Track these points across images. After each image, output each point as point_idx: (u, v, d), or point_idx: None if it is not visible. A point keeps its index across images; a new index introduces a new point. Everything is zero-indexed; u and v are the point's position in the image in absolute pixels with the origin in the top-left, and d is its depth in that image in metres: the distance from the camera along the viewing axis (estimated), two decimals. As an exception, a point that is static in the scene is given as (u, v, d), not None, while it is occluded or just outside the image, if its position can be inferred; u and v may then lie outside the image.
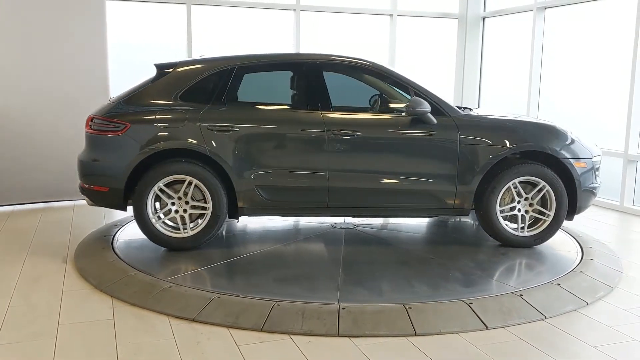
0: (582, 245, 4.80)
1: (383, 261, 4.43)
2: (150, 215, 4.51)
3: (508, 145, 4.51)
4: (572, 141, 4.64)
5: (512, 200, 4.60)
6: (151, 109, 4.58)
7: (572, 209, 4.65)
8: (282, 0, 8.03)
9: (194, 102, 4.59)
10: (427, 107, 4.45)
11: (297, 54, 5.16)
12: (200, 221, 4.57)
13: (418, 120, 4.51)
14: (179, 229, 4.54)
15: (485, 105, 8.85)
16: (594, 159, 4.69)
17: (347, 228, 5.27)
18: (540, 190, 4.58)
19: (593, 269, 4.26)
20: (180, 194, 4.52)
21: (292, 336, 3.25)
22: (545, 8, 7.58)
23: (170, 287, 3.79)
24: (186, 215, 4.54)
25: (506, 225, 4.63)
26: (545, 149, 4.55)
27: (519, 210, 4.62)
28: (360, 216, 5.25)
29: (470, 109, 4.99)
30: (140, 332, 3.30)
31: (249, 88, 4.85)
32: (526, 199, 4.60)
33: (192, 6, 7.60)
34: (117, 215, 5.93)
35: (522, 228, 4.64)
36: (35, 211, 6.18)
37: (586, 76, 7.27)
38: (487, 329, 3.35)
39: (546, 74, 7.68)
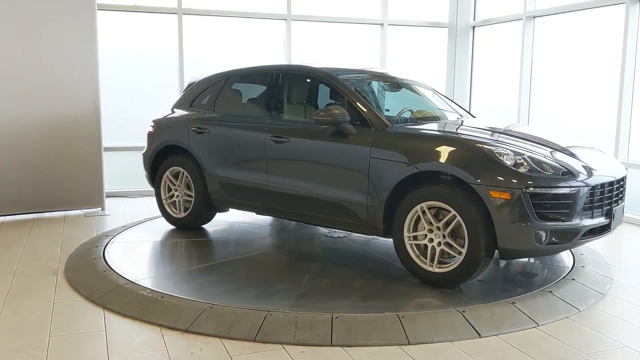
0: (573, 252, 4.81)
1: (275, 266, 4.60)
2: (163, 197, 5.64)
3: (410, 162, 3.98)
4: (500, 164, 3.71)
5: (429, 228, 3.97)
6: (169, 114, 5.73)
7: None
8: (273, 10, 8.06)
9: (198, 108, 5.54)
10: (339, 117, 4.24)
11: (271, 66, 5.24)
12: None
13: (340, 130, 4.33)
14: (177, 211, 5.58)
15: (475, 113, 8.89)
16: (531, 189, 3.61)
17: (334, 237, 5.34)
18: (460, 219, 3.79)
19: (584, 276, 4.28)
20: (179, 182, 5.52)
21: (285, 346, 3.24)
22: (534, 17, 7.66)
23: (162, 297, 3.77)
24: (181, 200, 5.52)
25: (416, 256, 4.02)
26: (449, 169, 3.84)
27: (431, 240, 3.94)
28: (300, 222, 5.17)
29: (461, 118, 5.01)
30: (132, 344, 3.28)
31: (232, 97, 5.47)
32: (438, 227, 3.91)
33: (184, 16, 7.62)
34: (108, 225, 5.93)
35: (432, 263, 3.95)
36: (25, 222, 6.14)
37: (577, 84, 7.33)
38: (480, 337, 3.36)
39: (537, 82, 7.74)
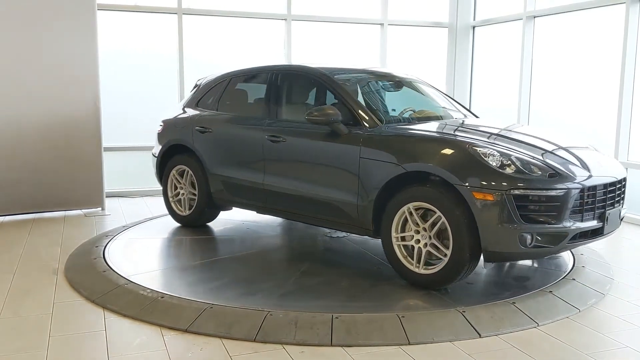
0: (573, 252, 4.81)
1: (267, 264, 4.67)
2: (169, 195, 5.75)
3: (398, 163, 3.94)
4: (485, 165, 3.65)
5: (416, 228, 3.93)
6: (179, 113, 5.76)
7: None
8: (273, 10, 8.06)
9: (203, 108, 5.60)
10: (332, 117, 4.24)
11: (270, 66, 5.27)
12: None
13: (332, 129, 4.33)
14: (182, 209, 5.70)
15: (476, 113, 8.87)
16: (515, 191, 3.53)
17: (334, 237, 5.35)
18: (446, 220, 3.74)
19: (584, 276, 4.28)
20: (184, 180, 5.60)
21: (285, 346, 3.24)
22: (535, 17, 7.66)
23: (162, 297, 3.77)
24: (186, 198, 5.61)
25: (403, 257, 3.98)
26: (433, 170, 3.79)
27: (418, 241, 3.89)
28: (297, 221, 5.18)
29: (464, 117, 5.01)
30: (132, 344, 3.28)
31: (233, 97, 5.54)
32: (424, 229, 3.86)
33: (184, 16, 7.62)
34: (108, 225, 5.92)
35: (418, 264, 3.90)
36: (25, 222, 6.13)
37: (577, 84, 7.33)
38: (480, 337, 3.36)
39: (537, 82, 7.73)
